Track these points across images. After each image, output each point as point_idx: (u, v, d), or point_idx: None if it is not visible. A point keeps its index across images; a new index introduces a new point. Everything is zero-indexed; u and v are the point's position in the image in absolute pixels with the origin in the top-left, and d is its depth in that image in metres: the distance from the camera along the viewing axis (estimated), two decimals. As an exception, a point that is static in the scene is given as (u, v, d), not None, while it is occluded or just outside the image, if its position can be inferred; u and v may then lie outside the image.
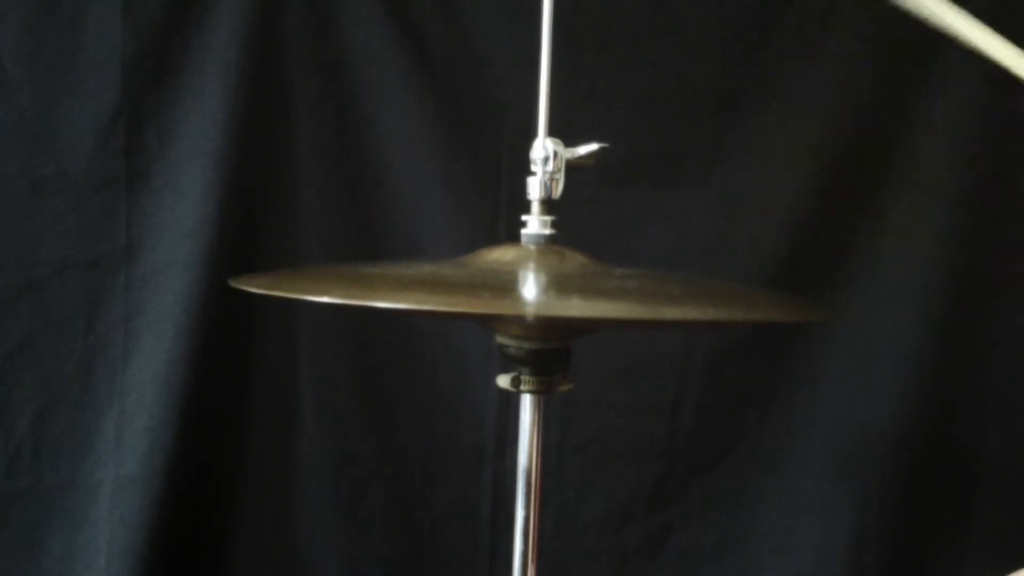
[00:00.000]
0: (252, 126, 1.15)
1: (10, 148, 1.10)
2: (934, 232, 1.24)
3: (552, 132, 0.75)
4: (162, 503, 1.15)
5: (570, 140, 0.75)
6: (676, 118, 1.23)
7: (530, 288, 0.69)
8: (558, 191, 0.75)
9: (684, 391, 1.27)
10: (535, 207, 0.76)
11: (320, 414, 1.24)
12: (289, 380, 1.23)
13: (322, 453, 1.24)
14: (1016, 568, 0.77)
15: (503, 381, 0.78)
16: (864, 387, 1.26)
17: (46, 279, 1.13)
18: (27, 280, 1.12)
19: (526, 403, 0.80)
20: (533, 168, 0.75)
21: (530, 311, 0.69)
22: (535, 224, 0.76)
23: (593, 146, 0.75)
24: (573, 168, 0.75)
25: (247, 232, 1.18)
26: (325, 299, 0.67)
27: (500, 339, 0.76)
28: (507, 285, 0.69)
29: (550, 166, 0.75)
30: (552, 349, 0.76)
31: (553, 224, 0.76)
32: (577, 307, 0.66)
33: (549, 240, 0.76)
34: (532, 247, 0.76)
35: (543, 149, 0.75)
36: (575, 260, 0.74)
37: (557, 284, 0.70)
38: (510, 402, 1.18)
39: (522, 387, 0.77)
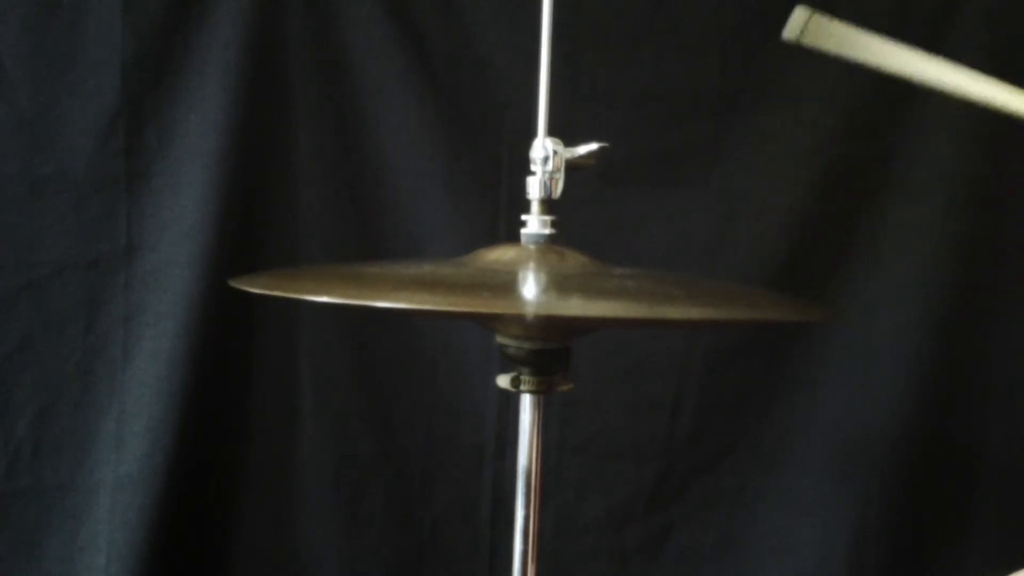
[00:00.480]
0: (252, 126, 1.15)
1: (10, 148, 1.10)
2: (934, 232, 1.24)
3: (552, 132, 0.75)
4: (162, 503, 1.15)
5: (570, 140, 0.75)
6: (676, 118, 1.23)
7: (530, 288, 0.69)
8: (558, 191, 0.75)
9: (684, 391, 1.27)
10: (535, 207, 0.76)
11: (320, 414, 1.24)
12: (289, 380, 1.23)
13: (322, 453, 1.24)
14: (1016, 568, 0.77)
15: (503, 381, 0.78)
16: (864, 387, 1.26)
17: (46, 279, 1.13)
18: (27, 280, 1.12)
19: (526, 403, 0.80)
20: (533, 168, 0.75)
21: (530, 311, 0.69)
22: (535, 224, 0.76)
23: (593, 146, 0.75)
24: (573, 168, 0.75)
25: (247, 232, 1.18)
26: (325, 299, 0.67)
27: (500, 339, 0.76)
28: (507, 285, 0.69)
29: (550, 166, 0.75)
30: (552, 349, 0.76)
31: (553, 224, 0.76)
32: (577, 307, 0.66)
33: (549, 240, 0.76)
34: (532, 247, 0.76)
35: (543, 149, 0.75)
36: (575, 260, 0.74)
37: (557, 284, 0.70)
38: (510, 402, 1.18)
39: (522, 387, 0.77)
